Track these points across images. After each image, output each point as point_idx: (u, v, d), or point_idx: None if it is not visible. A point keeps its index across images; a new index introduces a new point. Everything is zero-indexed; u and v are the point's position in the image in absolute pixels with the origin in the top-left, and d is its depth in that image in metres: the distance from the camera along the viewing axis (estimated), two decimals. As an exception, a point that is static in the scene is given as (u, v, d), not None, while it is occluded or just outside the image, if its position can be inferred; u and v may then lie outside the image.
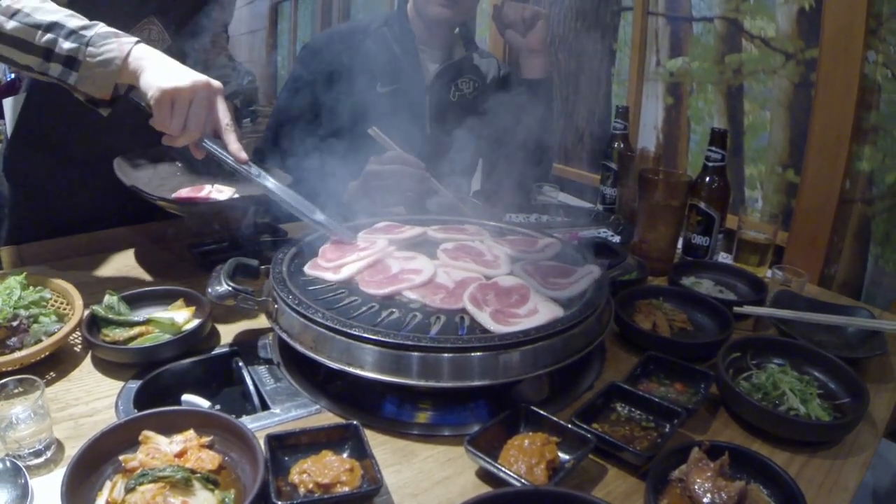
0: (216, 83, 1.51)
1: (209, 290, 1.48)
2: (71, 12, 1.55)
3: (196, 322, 1.55)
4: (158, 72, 1.49)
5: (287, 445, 1.16)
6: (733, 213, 2.31)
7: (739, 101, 2.62)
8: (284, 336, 1.38)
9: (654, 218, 2.13)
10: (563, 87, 3.51)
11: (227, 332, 1.64)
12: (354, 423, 1.19)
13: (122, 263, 2.03)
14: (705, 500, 1.10)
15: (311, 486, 1.06)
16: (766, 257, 2.20)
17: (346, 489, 1.06)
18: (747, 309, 1.80)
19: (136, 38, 1.55)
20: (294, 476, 1.09)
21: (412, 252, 1.65)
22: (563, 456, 1.20)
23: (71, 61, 1.51)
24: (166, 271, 2.00)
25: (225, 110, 1.51)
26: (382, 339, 1.26)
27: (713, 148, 2.11)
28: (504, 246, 1.75)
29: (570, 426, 1.23)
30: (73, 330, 1.48)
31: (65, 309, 1.59)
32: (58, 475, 1.08)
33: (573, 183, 3.37)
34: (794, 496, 1.12)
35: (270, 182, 1.59)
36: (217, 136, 1.56)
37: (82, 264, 1.96)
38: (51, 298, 1.61)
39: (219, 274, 1.49)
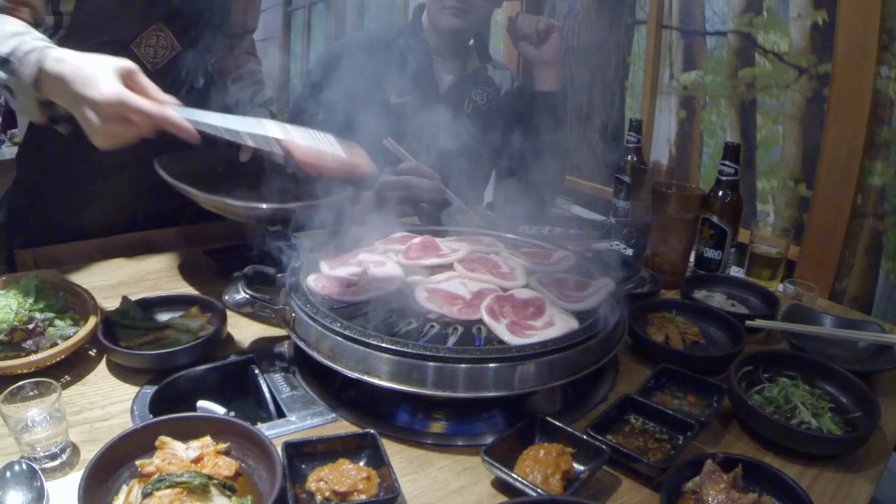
0: (123, 64, 1.38)
1: (226, 297, 1.49)
2: (13, 31, 1.52)
3: (212, 329, 1.55)
4: (74, 100, 1.39)
5: (304, 453, 1.16)
6: (745, 227, 2.32)
7: (752, 115, 2.62)
8: (301, 345, 1.38)
9: (666, 231, 2.14)
10: (576, 99, 3.52)
11: (243, 339, 1.65)
12: (372, 432, 1.19)
13: (136, 268, 2.04)
14: None
15: (328, 493, 1.07)
16: (778, 271, 2.21)
17: (364, 497, 1.07)
18: (759, 323, 1.81)
19: (44, 46, 1.46)
20: (311, 484, 1.09)
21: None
22: (578, 467, 1.21)
23: (10, 90, 1.50)
24: (181, 276, 2.01)
25: (147, 107, 1.36)
26: (399, 348, 1.27)
27: (726, 162, 2.12)
28: (519, 258, 1.76)
29: (584, 437, 1.24)
30: (90, 334, 1.48)
31: (80, 313, 1.60)
32: (73, 478, 1.10)
33: (586, 196, 3.37)
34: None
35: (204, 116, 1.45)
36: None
37: (96, 269, 1.98)
38: (66, 302, 1.62)
39: (236, 281, 1.49)
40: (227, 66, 2.25)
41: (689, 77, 2.88)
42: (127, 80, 1.38)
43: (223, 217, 1.86)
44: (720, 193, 2.13)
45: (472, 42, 2.69)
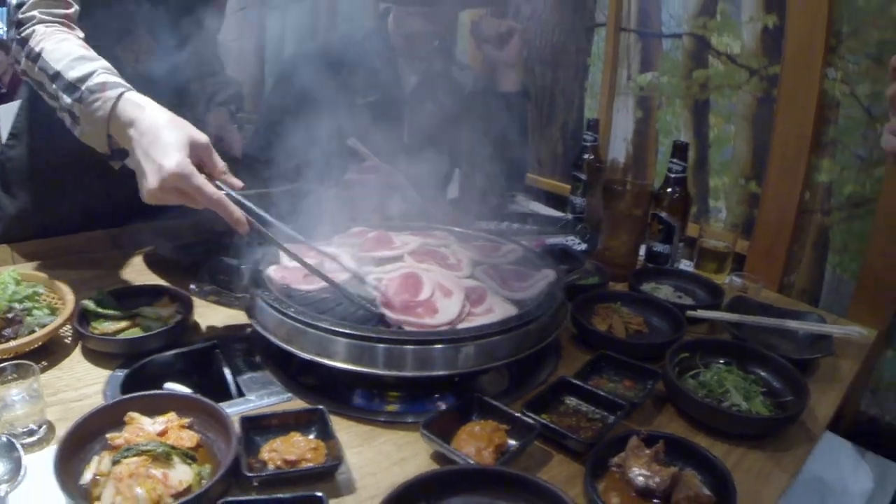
0: (184, 172, 1.41)
1: (193, 286, 1.59)
2: (78, 54, 1.58)
3: (179, 316, 1.66)
4: (139, 168, 1.45)
5: (259, 427, 1.28)
6: (698, 223, 2.43)
7: (705, 114, 2.71)
8: (260, 329, 1.49)
9: (617, 226, 2.25)
10: (538, 100, 3.59)
11: (210, 327, 1.76)
12: (321, 407, 1.32)
13: (111, 263, 2.14)
14: (639, 483, 1.21)
15: (279, 462, 1.19)
16: (726, 265, 2.33)
17: (311, 465, 1.19)
18: (700, 313, 1.92)
19: (120, 90, 1.52)
20: (264, 454, 1.21)
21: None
22: (512, 442, 1.31)
23: (73, 115, 1.57)
24: (153, 270, 2.11)
25: (208, 190, 1.44)
26: (352, 332, 1.38)
27: (674, 160, 2.23)
28: (468, 251, 1.87)
29: (518, 415, 1.35)
30: (65, 322, 1.59)
31: (57, 304, 1.70)
32: (49, 451, 1.21)
33: (546, 193, 3.44)
34: (725, 480, 1.22)
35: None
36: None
37: (73, 263, 2.07)
38: (43, 294, 1.72)
39: (203, 272, 1.61)
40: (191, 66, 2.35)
41: (645, 78, 2.96)
42: (198, 152, 1.47)
43: (194, 212, 1.97)
44: (668, 190, 2.24)
45: (436, 43, 2.75)
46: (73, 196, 2.23)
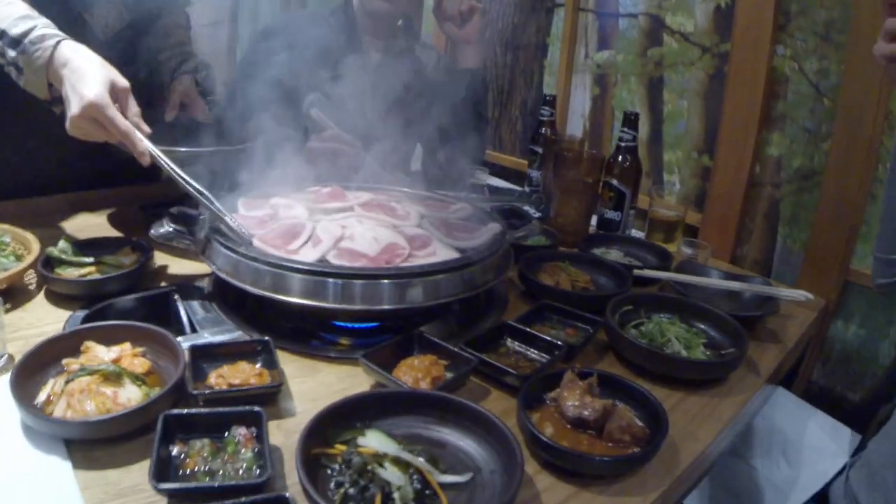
0: (98, 101, 1.58)
1: (152, 231, 1.67)
2: (22, 14, 1.72)
3: (137, 264, 1.74)
4: (66, 100, 1.64)
5: (208, 355, 1.35)
6: (651, 196, 2.50)
7: (660, 91, 2.81)
8: (215, 270, 1.56)
9: (568, 194, 2.32)
10: (498, 78, 3.63)
11: (169, 276, 1.85)
12: (266, 338, 1.38)
13: (76, 222, 2.22)
14: (572, 413, 1.26)
15: (224, 385, 1.25)
16: (676, 234, 2.40)
17: (254, 385, 1.26)
18: (646, 272, 1.99)
19: (57, 39, 1.69)
20: (211, 379, 1.28)
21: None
22: (449, 375, 1.37)
23: (17, 67, 1.70)
24: (118, 228, 2.18)
25: (119, 121, 1.61)
26: (305, 267, 1.46)
27: (625, 129, 2.33)
28: (418, 206, 1.95)
29: (456, 350, 1.42)
30: (30, 266, 1.67)
31: (22, 252, 1.77)
32: (6, 378, 1.24)
33: (506, 170, 3.50)
34: (656, 413, 1.28)
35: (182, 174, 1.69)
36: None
37: (38, 222, 2.09)
38: (10, 243, 1.78)
39: (163, 220, 1.68)
40: (158, 35, 2.42)
41: (602, 56, 3.00)
42: (116, 92, 1.64)
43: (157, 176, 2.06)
44: (619, 158, 2.33)
45: (400, 23, 2.80)
46: (32, 162, 2.30)
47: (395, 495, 1.00)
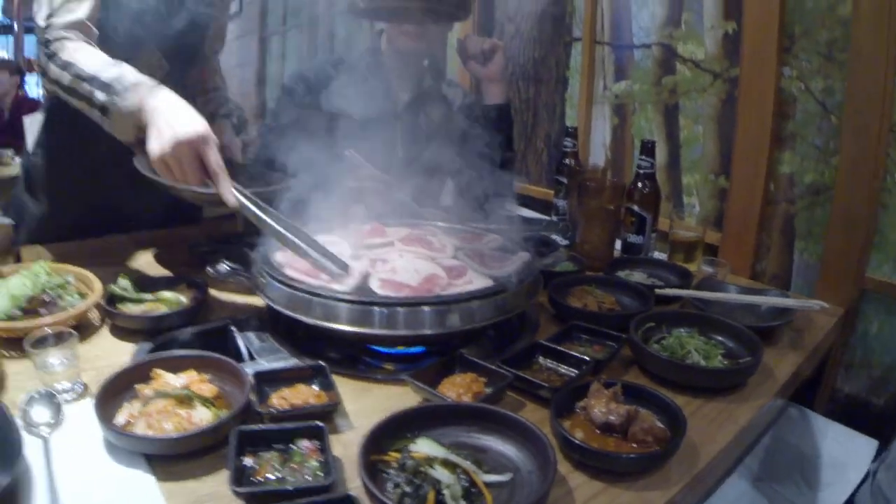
0: (206, 135, 1.76)
1: (210, 269, 1.84)
2: (110, 61, 1.90)
3: (197, 299, 1.90)
4: (158, 131, 1.77)
5: (269, 379, 1.50)
6: (671, 219, 2.61)
7: (675, 117, 2.93)
8: (268, 301, 1.72)
9: (592, 221, 2.44)
10: (522, 112, 3.71)
11: (223, 309, 2.01)
12: (322, 363, 1.54)
13: (131, 261, 2.38)
14: (599, 419, 1.40)
15: (286, 405, 1.41)
16: (695, 253, 2.52)
17: (313, 404, 1.42)
18: (667, 291, 2.11)
19: (152, 85, 1.85)
20: (274, 400, 1.43)
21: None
22: (488, 390, 1.51)
23: (104, 110, 1.85)
24: (167, 266, 2.33)
25: (217, 159, 1.76)
26: (353, 298, 1.63)
27: (643, 157, 2.45)
28: (453, 238, 2.09)
29: (493, 367, 1.56)
30: (95, 304, 1.82)
31: (85, 291, 1.92)
32: (84, 404, 1.45)
33: (534, 199, 3.55)
34: (676, 417, 1.41)
35: (273, 222, 1.81)
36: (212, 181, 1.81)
37: (96, 261, 2.22)
38: (73, 283, 1.93)
39: (219, 258, 1.85)
40: (195, 82, 2.61)
41: (620, 86, 3.17)
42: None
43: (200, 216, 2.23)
44: (639, 185, 2.46)
45: (426, 63, 2.88)
46: (91, 203, 2.46)
47: (446, 492, 1.14)
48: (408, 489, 1.15)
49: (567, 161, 2.90)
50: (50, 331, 1.55)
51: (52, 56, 1.93)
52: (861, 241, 2.27)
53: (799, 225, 2.51)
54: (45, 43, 1.95)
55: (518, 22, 3.77)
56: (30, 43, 11.18)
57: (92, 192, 2.46)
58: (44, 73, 1.97)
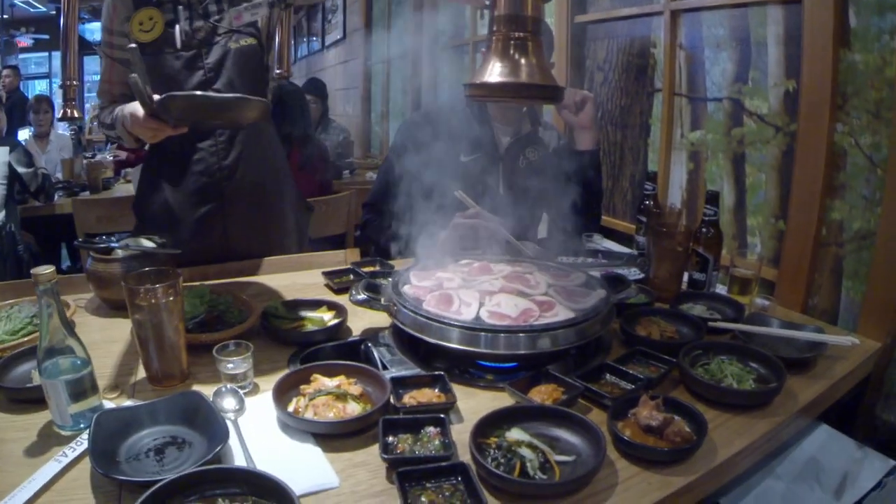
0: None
1: (350, 298, 2.32)
2: (117, 110, 2.72)
3: (337, 320, 2.37)
4: (131, 122, 2.51)
5: (402, 384, 1.99)
6: (735, 256, 2.95)
7: (742, 165, 3.18)
8: (400, 325, 2.19)
9: (663, 259, 2.82)
10: (610, 153, 4.12)
11: (358, 328, 2.46)
12: (442, 373, 2.04)
13: (271, 284, 2.91)
14: (643, 422, 1.79)
15: (415, 403, 1.93)
16: (750, 288, 2.86)
17: (436, 402, 1.94)
18: (719, 324, 2.47)
19: (119, 111, 2.67)
20: (406, 399, 1.94)
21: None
22: (565, 397, 1.93)
23: (116, 136, 2.79)
24: (305, 290, 2.80)
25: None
26: (463, 324, 2.08)
27: (707, 206, 2.85)
28: (545, 276, 2.47)
29: (570, 380, 2.03)
30: (254, 320, 2.32)
31: (243, 309, 2.41)
32: (259, 398, 1.96)
33: (618, 233, 3.96)
34: (701, 424, 1.79)
35: None
36: None
37: (236, 284, 2.79)
38: (232, 301, 2.45)
39: (358, 288, 2.34)
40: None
41: (695, 135, 3.46)
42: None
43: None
44: (704, 230, 2.87)
45: (525, 109, 3.25)
46: (192, 239, 2.99)
47: (528, 465, 1.65)
48: (502, 461, 1.67)
49: (647, 202, 3.34)
50: (232, 342, 2.05)
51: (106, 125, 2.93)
52: (900, 283, 2.46)
53: (847, 266, 2.73)
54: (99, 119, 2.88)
55: (606, 71, 4.18)
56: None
57: (193, 232, 3.06)
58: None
